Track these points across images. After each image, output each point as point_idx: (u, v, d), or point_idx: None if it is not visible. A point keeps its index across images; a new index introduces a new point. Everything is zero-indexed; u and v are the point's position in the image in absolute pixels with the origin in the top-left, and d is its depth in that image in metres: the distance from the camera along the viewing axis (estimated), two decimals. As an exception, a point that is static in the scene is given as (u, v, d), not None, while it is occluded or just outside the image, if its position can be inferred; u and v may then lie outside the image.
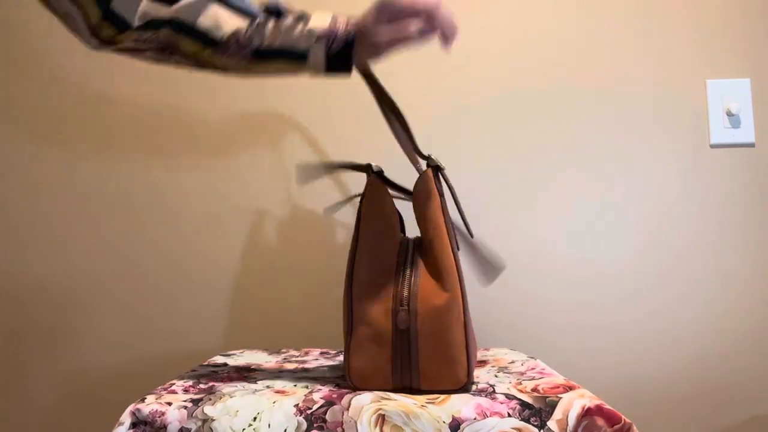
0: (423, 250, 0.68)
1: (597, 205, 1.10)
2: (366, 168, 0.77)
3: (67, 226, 1.12)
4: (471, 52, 1.13)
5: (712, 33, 1.12)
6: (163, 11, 0.61)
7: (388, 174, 0.77)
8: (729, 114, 1.10)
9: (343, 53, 0.64)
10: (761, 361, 1.07)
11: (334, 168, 0.81)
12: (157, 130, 1.13)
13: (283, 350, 0.98)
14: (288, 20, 0.64)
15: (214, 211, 1.11)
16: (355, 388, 0.63)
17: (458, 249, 0.72)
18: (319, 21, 0.64)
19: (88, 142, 1.12)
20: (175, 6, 0.61)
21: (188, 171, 1.12)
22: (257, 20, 0.64)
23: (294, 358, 0.89)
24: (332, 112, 1.12)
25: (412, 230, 0.74)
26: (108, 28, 0.61)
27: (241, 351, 0.97)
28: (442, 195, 0.69)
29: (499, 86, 1.12)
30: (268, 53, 0.64)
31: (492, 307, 1.09)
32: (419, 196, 0.71)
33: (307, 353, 0.95)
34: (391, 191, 0.77)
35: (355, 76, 0.69)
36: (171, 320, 1.10)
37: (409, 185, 0.80)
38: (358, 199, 0.74)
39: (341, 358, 0.90)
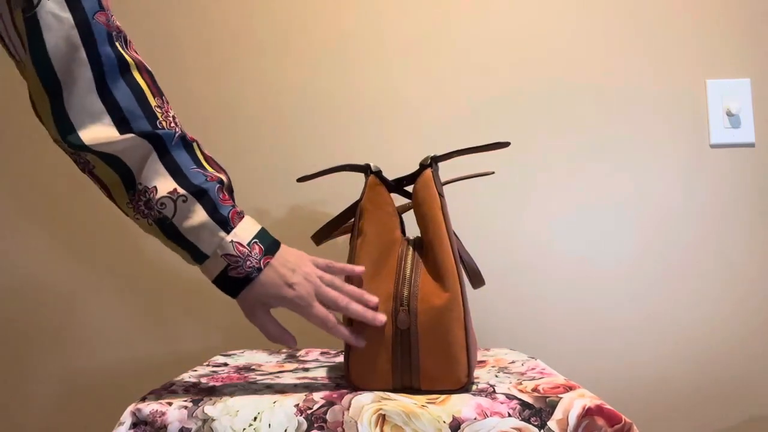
0: (423, 250, 0.68)
1: (597, 205, 1.10)
2: (365, 168, 0.77)
3: (68, 225, 1.12)
4: (470, 53, 1.13)
5: (712, 33, 1.12)
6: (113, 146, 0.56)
7: (386, 174, 0.77)
8: (729, 114, 1.10)
9: (236, 284, 0.60)
10: (761, 362, 1.07)
11: (333, 169, 0.80)
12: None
13: (283, 350, 0.98)
14: (214, 214, 0.59)
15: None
16: (356, 388, 0.63)
17: (459, 249, 0.72)
18: (241, 235, 0.60)
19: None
20: (122, 146, 0.56)
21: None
22: (193, 192, 0.58)
23: (294, 358, 0.89)
24: (332, 112, 1.12)
25: (412, 230, 0.74)
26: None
27: (241, 351, 0.97)
28: (442, 195, 0.69)
29: (498, 87, 1.12)
30: (171, 232, 0.58)
31: (492, 307, 1.09)
32: (419, 197, 0.71)
33: (307, 353, 0.95)
34: (390, 192, 0.77)
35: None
36: (171, 320, 1.10)
37: (409, 185, 0.80)
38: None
39: (341, 358, 0.90)
